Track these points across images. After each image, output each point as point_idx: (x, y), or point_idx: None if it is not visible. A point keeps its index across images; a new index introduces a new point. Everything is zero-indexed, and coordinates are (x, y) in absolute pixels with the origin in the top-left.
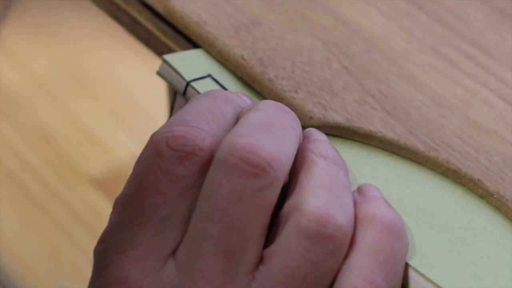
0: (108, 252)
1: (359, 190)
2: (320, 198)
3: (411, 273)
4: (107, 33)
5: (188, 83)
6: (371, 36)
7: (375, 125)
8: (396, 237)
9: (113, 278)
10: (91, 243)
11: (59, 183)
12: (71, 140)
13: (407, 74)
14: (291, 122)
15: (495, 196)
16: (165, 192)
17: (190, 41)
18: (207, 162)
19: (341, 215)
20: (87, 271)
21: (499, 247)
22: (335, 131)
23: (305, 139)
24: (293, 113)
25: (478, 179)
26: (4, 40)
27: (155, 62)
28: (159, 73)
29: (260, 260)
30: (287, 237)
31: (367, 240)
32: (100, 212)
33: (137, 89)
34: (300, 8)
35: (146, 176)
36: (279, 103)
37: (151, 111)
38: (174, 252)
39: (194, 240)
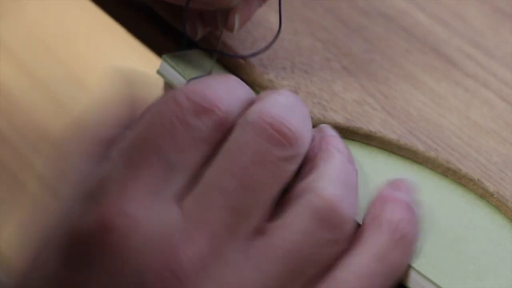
0: (111, 185)
1: (391, 184)
2: (337, 189)
3: (412, 273)
4: (107, 33)
5: (188, 82)
6: (371, 36)
7: (375, 125)
8: (406, 248)
9: (116, 209)
10: None
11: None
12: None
13: (407, 74)
14: (308, 114)
15: (495, 196)
16: (178, 139)
17: (191, 42)
18: (222, 122)
19: (350, 211)
20: None
21: (499, 247)
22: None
23: (322, 132)
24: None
25: (478, 179)
26: (4, 40)
27: (155, 62)
28: (159, 72)
29: (261, 231)
30: (297, 213)
31: (378, 244)
32: None
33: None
34: (300, 8)
35: (161, 121)
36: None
37: None
38: (178, 200)
39: (207, 191)
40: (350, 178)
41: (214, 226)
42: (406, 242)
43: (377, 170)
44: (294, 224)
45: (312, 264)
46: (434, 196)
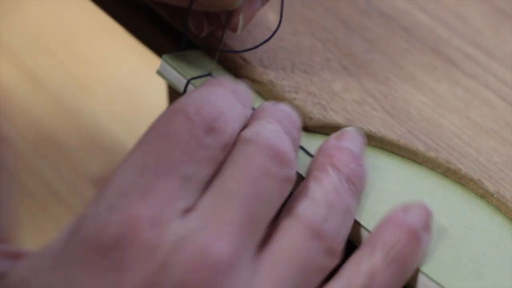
0: (131, 193)
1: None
2: (319, 211)
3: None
4: (107, 33)
5: (188, 81)
6: (371, 36)
7: (375, 125)
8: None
9: (138, 217)
10: None
11: (59, 183)
12: (71, 140)
13: (407, 74)
14: (296, 142)
15: (495, 196)
16: (191, 153)
17: (190, 42)
18: (227, 144)
19: (333, 230)
20: None
21: (499, 247)
22: (335, 132)
23: (336, 139)
24: (298, 126)
25: (478, 179)
26: (4, 40)
27: (155, 62)
28: (159, 72)
29: (263, 244)
30: (289, 227)
31: (390, 243)
32: None
33: (137, 89)
34: (300, 8)
35: (175, 134)
36: (289, 112)
37: (151, 111)
38: (192, 209)
39: (221, 196)
40: (340, 200)
41: (232, 228)
42: (418, 236)
43: (377, 170)
44: (289, 237)
45: (313, 272)
46: (434, 196)
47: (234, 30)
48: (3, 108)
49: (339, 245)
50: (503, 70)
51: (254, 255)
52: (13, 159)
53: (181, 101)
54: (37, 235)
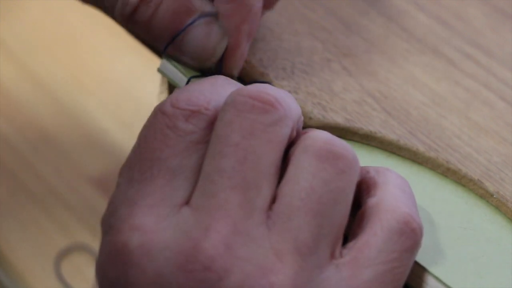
0: (119, 209)
1: None
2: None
3: (416, 269)
4: (107, 33)
5: (189, 80)
6: (371, 36)
7: (375, 125)
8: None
9: (127, 227)
10: (92, 243)
11: (59, 183)
12: (71, 140)
13: (407, 74)
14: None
15: (495, 196)
16: (173, 145)
17: None
18: (213, 120)
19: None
20: (88, 271)
21: (499, 247)
22: (335, 132)
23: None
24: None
25: (478, 179)
26: (4, 40)
27: (155, 62)
28: (160, 70)
29: (274, 200)
30: (296, 162)
31: (391, 180)
32: (101, 211)
33: (137, 89)
34: (300, 8)
35: (152, 135)
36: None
37: (151, 111)
38: (187, 202)
39: (208, 179)
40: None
41: (226, 209)
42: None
43: None
44: (298, 171)
45: (332, 202)
46: (434, 196)
47: (231, 72)
48: (3, 108)
49: (355, 155)
50: (503, 70)
51: (265, 212)
52: (13, 159)
53: (160, 102)
54: (37, 235)
